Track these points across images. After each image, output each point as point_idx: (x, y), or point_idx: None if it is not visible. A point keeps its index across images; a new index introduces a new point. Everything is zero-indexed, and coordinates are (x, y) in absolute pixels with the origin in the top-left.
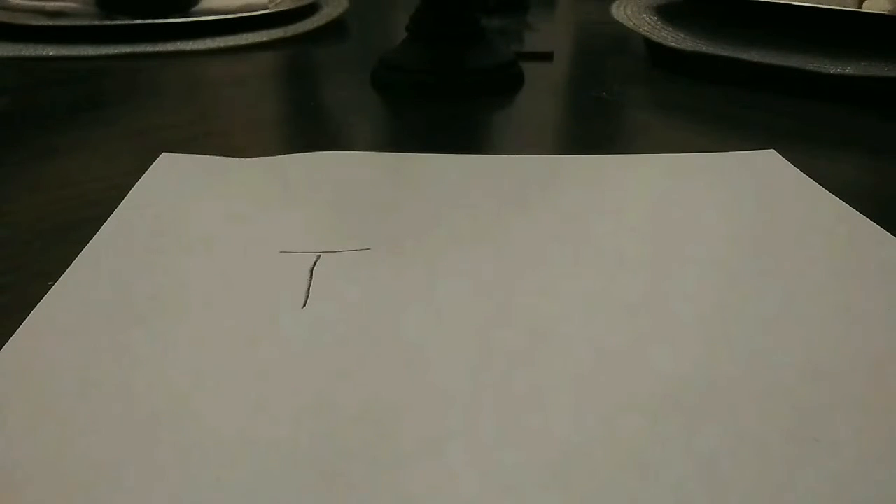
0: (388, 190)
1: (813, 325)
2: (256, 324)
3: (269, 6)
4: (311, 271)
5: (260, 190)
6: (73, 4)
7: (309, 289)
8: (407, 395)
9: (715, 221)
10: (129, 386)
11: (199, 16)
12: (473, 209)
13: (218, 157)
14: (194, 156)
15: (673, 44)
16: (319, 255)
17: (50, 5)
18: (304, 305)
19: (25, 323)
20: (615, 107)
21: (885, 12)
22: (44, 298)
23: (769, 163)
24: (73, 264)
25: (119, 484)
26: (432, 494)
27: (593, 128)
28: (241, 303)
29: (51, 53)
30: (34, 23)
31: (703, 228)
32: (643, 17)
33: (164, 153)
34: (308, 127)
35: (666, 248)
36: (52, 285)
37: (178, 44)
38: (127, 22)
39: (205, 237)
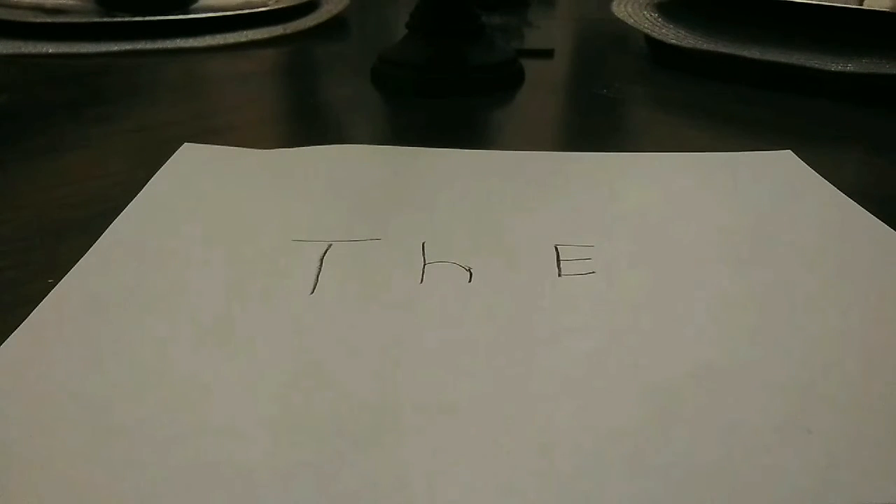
0: (400, 183)
1: (819, 323)
2: (265, 308)
3: (270, 3)
4: (322, 259)
5: (276, 180)
6: (72, 1)
7: (318, 276)
8: (411, 384)
9: (730, 222)
10: (134, 378)
11: (199, 13)
12: (483, 203)
13: (237, 148)
14: (214, 146)
15: (673, 41)
16: (330, 244)
17: (49, 2)
18: (313, 292)
19: (28, 320)
20: (616, 104)
21: (887, 9)
22: (49, 294)
23: (785, 163)
24: (88, 252)
25: (119, 482)
26: (434, 483)
27: (594, 125)
28: (251, 288)
29: (50, 51)
30: (34, 20)
31: (715, 228)
32: (644, 14)
33: (185, 143)
34: (308, 123)
35: (679, 248)
36: (52, 283)
37: (178, 41)
38: (127, 19)
39: (221, 226)
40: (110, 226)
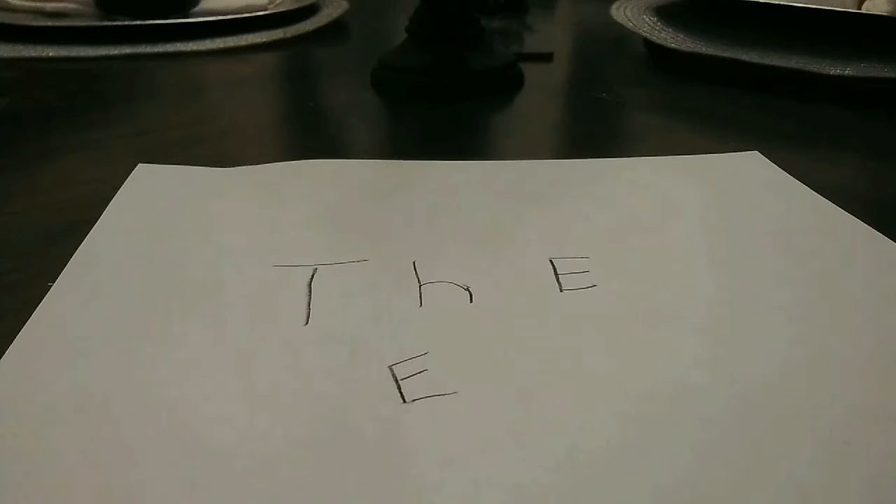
0: (380, 198)
1: (819, 324)
2: (258, 345)
3: (269, 7)
4: (310, 286)
5: (244, 202)
6: (72, 5)
7: (310, 304)
8: (428, 418)
9: (700, 224)
10: (130, 417)
11: (199, 17)
12: (468, 217)
13: (198, 168)
14: (173, 166)
15: (672, 45)
16: (315, 269)
17: (50, 6)
18: (307, 323)
19: (27, 324)
20: (615, 108)
21: (885, 13)
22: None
23: (752, 163)
24: (46, 296)
25: (123, 484)
26: None
27: (593, 129)
28: (240, 324)
29: (50, 54)
30: (34, 23)
31: (690, 232)
32: (643, 18)
33: (139, 164)
34: (307, 128)
35: (674, 256)
36: (51, 286)
37: (178, 45)
38: (127, 23)
39: (193, 255)
40: (63, 271)
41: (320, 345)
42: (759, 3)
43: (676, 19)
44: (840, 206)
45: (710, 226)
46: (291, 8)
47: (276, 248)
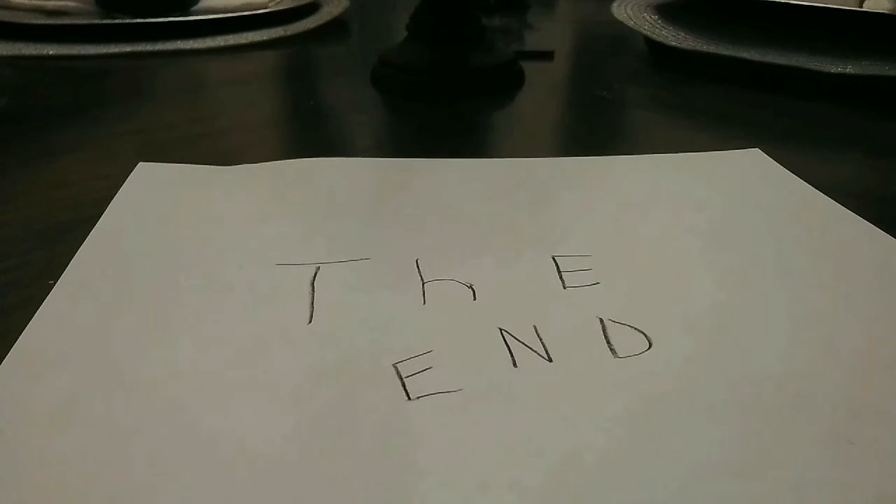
0: (381, 196)
1: (821, 321)
2: (261, 343)
3: (270, 5)
4: (313, 284)
5: (244, 200)
6: (73, 3)
7: (313, 303)
8: (422, 408)
9: (701, 221)
10: (138, 414)
11: (200, 15)
12: (469, 214)
13: (199, 166)
14: (173, 165)
15: (673, 43)
16: (318, 267)
17: (50, 4)
18: (311, 321)
19: (30, 324)
20: (616, 106)
21: (886, 11)
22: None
23: (754, 161)
24: (44, 303)
25: (123, 484)
26: None
27: (594, 127)
28: (242, 323)
29: (51, 52)
30: (34, 22)
31: (691, 229)
32: (644, 16)
33: (140, 163)
34: (307, 126)
35: (676, 252)
36: (52, 284)
37: (179, 43)
38: (127, 21)
39: (195, 254)
40: (66, 269)
41: (324, 343)
42: (760, 1)
43: (677, 17)
44: (841, 204)
45: (710, 223)
46: (292, 6)
47: (278, 246)
